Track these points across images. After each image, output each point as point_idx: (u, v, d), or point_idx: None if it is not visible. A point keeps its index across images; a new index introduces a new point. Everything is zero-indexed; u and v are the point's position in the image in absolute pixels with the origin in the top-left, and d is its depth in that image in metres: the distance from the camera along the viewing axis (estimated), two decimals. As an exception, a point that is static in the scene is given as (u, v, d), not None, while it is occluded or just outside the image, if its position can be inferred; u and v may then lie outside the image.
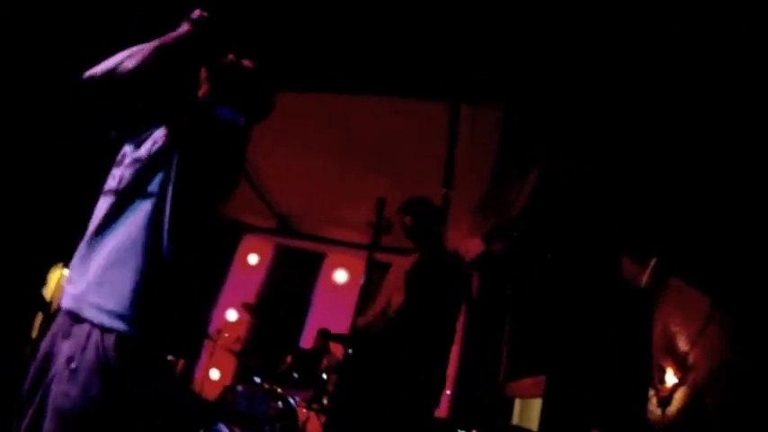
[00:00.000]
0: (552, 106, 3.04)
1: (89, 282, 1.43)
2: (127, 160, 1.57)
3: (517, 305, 3.86)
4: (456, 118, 3.41)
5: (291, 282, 6.92)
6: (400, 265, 2.91)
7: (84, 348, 1.36)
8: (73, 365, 1.35)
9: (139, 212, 1.48)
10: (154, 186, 1.50)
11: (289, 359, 4.91)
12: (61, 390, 1.34)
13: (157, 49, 1.48)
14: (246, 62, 1.79)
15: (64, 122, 3.56)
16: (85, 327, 1.39)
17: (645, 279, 3.02)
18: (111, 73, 1.43)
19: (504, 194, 3.87)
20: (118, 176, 1.55)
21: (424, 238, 2.85)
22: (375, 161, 4.59)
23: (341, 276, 6.75)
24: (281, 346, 5.41)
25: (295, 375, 4.56)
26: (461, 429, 4.26)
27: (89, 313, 1.40)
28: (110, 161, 1.65)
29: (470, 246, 3.78)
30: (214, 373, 6.14)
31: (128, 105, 1.51)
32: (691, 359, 2.55)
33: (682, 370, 2.61)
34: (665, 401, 2.57)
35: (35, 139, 3.69)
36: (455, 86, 3.28)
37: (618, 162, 2.99)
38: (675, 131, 2.73)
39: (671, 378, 2.62)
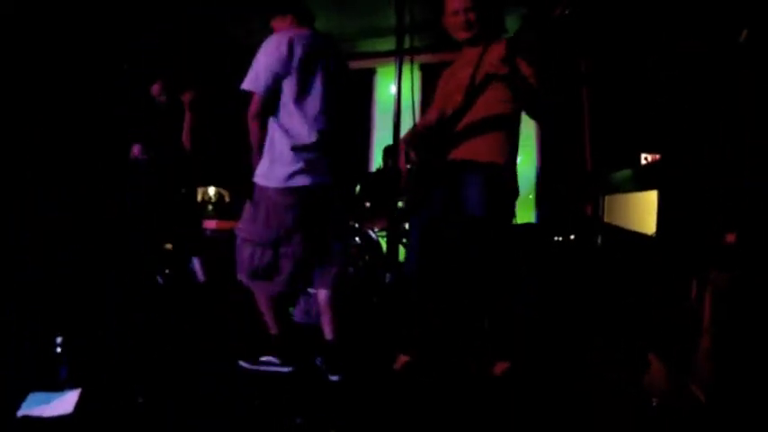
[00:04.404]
0: None
1: None
2: None
3: (597, 82, 3.15)
4: None
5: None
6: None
7: None
8: None
9: None
10: None
11: (358, 189, 4.50)
12: None
13: None
14: None
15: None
16: None
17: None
18: None
19: None
20: None
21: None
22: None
23: (395, 90, 6.12)
24: (350, 180, 5.09)
25: (367, 205, 4.35)
26: (557, 236, 3.91)
27: None
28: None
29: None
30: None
31: None
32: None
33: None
34: None
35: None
36: None
37: None
38: None
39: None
